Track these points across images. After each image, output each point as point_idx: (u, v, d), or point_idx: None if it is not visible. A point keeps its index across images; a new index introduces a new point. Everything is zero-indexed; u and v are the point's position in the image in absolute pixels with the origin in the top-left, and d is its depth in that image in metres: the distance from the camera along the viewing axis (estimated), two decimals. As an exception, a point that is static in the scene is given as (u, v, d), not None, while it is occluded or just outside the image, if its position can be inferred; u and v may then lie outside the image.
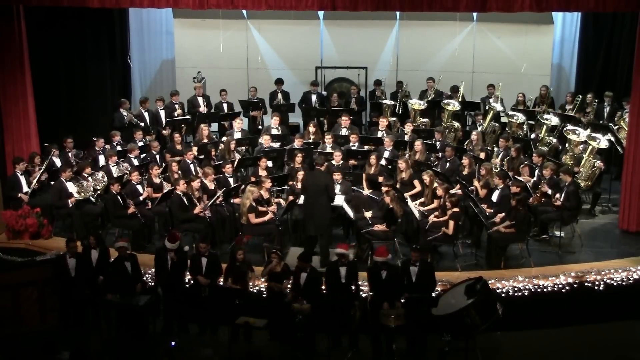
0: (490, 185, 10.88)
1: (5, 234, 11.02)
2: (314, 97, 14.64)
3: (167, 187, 11.21)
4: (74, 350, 7.43)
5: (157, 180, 11.35)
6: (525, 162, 11.62)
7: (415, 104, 13.81)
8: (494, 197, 10.75)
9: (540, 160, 11.53)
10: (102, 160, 12.21)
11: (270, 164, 11.92)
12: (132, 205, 10.60)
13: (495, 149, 12.39)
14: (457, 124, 13.50)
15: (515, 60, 15.26)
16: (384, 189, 10.39)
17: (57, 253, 10.27)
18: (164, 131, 13.46)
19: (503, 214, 10.21)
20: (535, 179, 11.32)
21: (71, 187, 11.00)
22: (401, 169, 11.35)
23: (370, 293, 8.94)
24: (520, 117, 13.23)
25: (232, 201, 11.04)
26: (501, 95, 14.16)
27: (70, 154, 12.25)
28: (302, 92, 14.94)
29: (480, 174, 11.22)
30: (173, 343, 8.01)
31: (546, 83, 14.73)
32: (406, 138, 12.56)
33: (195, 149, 12.15)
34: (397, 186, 11.01)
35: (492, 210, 10.51)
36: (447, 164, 11.80)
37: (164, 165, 11.95)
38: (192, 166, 11.81)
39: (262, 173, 11.41)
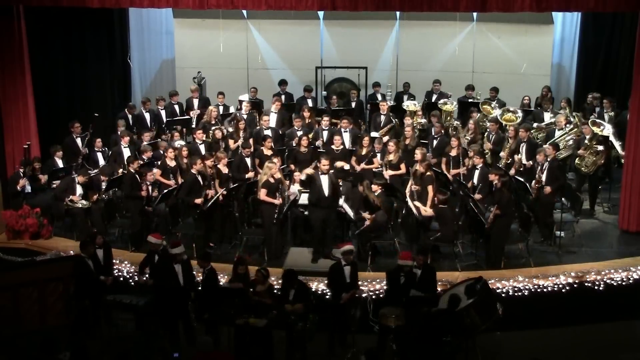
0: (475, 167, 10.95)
1: (5, 234, 11.02)
2: (309, 103, 14.61)
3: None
4: (74, 350, 7.43)
5: (172, 164, 11.39)
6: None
7: (411, 105, 13.79)
8: (475, 177, 10.80)
9: (526, 135, 11.60)
10: (101, 160, 12.20)
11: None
12: (145, 189, 10.70)
13: (487, 132, 12.41)
14: (456, 122, 13.50)
15: (515, 60, 15.27)
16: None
17: (57, 253, 10.30)
18: (163, 136, 13.42)
19: (480, 195, 10.39)
20: (522, 155, 11.42)
21: (79, 189, 11.00)
22: (390, 151, 11.37)
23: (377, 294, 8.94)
24: (520, 113, 13.22)
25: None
26: (501, 95, 14.16)
27: (78, 139, 12.29)
28: (302, 92, 14.91)
29: (469, 155, 11.21)
30: (176, 354, 7.97)
31: (546, 83, 14.76)
32: (406, 125, 12.60)
33: (200, 131, 12.28)
34: (384, 168, 11.24)
35: (480, 196, 10.49)
36: (435, 142, 11.97)
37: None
38: (202, 147, 11.90)
39: (267, 153, 11.46)
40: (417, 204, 10.30)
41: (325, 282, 9.37)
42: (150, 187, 10.92)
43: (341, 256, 8.90)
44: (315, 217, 10.26)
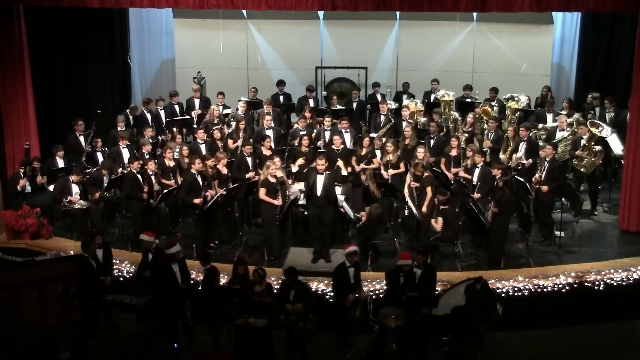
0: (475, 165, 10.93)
1: (5, 234, 11.02)
2: (311, 102, 14.58)
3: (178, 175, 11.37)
4: (74, 350, 7.43)
5: (170, 164, 11.39)
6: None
7: (412, 103, 13.77)
8: (475, 175, 10.79)
9: (526, 134, 11.61)
10: (101, 159, 12.19)
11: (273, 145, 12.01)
12: (146, 190, 10.70)
13: (486, 130, 12.44)
14: (455, 114, 13.46)
15: (515, 60, 15.27)
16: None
17: (57, 253, 10.29)
18: (162, 136, 13.40)
19: (479, 194, 10.38)
20: (521, 154, 11.44)
21: (75, 188, 11.00)
22: (388, 151, 11.37)
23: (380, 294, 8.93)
24: (523, 100, 13.22)
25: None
26: (501, 95, 14.15)
27: (81, 137, 12.30)
28: (303, 91, 14.90)
29: (467, 155, 11.22)
30: (176, 345, 7.99)
31: (546, 83, 14.76)
32: (404, 124, 12.60)
33: (202, 130, 12.29)
34: (384, 169, 11.30)
35: (479, 195, 10.48)
36: (432, 142, 11.98)
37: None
38: (202, 147, 11.91)
39: (267, 152, 11.46)
40: (435, 223, 10.19)
41: (325, 282, 9.39)
42: (153, 177, 10.95)
43: (345, 257, 8.89)
44: (311, 214, 10.29)
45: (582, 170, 11.59)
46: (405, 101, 14.02)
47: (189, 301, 8.87)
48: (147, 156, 11.59)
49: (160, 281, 8.87)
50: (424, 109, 13.66)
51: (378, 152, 11.74)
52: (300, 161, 11.30)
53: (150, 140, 12.25)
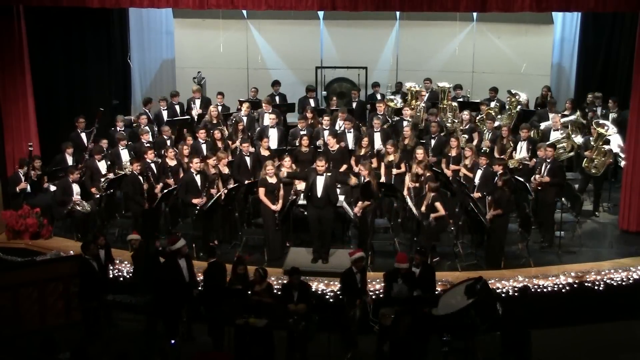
0: (478, 166, 10.90)
1: (5, 234, 11.02)
2: (312, 102, 14.54)
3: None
4: (74, 350, 7.44)
5: (172, 163, 11.31)
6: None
7: (411, 86, 13.66)
8: (477, 177, 10.77)
9: (527, 134, 11.64)
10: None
11: (273, 145, 12.00)
12: (148, 182, 10.69)
13: (484, 130, 12.47)
14: (454, 103, 13.42)
15: (515, 60, 15.28)
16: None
17: (57, 253, 10.29)
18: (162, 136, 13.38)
19: (479, 194, 10.35)
20: (522, 154, 11.49)
21: (76, 188, 11.00)
22: (389, 152, 11.36)
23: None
24: (523, 97, 13.21)
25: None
26: (501, 95, 14.15)
27: (83, 135, 12.30)
28: (303, 91, 14.88)
29: (465, 155, 11.23)
30: (173, 341, 8.00)
31: (546, 83, 14.77)
32: (404, 124, 12.57)
33: (203, 130, 12.25)
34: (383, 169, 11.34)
35: (479, 195, 10.46)
36: (433, 142, 11.97)
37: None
38: (203, 146, 11.87)
39: (264, 153, 11.44)
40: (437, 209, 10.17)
41: (325, 282, 9.40)
42: (152, 165, 10.95)
43: (352, 264, 8.84)
44: (311, 214, 10.27)
45: (593, 171, 11.57)
46: (407, 84, 13.95)
47: (188, 301, 8.85)
48: (146, 145, 11.58)
49: (163, 279, 8.86)
50: (424, 92, 13.66)
51: (377, 139, 11.77)
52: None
53: (148, 129, 12.29)
